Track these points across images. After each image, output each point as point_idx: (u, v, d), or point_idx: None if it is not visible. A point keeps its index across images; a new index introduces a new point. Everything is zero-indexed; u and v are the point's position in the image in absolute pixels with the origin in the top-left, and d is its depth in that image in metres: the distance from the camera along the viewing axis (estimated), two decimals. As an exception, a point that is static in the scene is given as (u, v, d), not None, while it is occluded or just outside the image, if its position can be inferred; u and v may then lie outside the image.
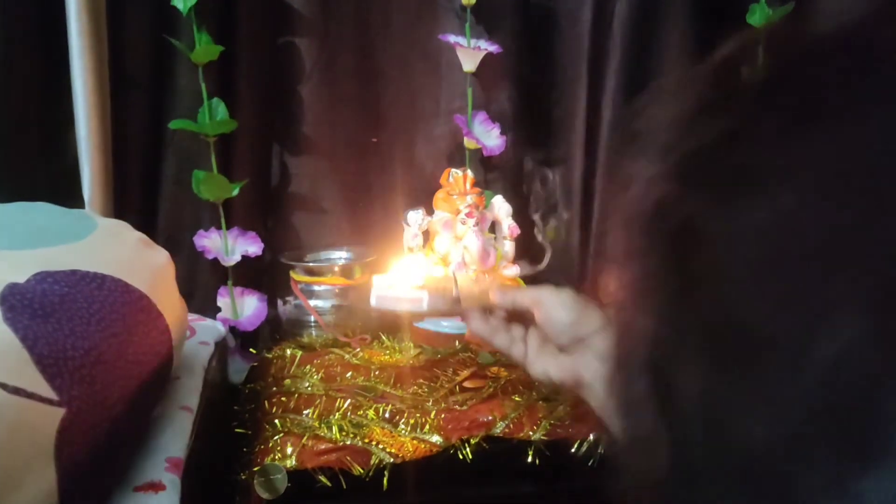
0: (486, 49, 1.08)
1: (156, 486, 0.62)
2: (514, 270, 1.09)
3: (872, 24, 0.28)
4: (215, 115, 1.05)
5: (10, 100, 1.00)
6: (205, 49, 1.01)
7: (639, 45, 1.13)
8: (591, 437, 0.79)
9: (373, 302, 0.82)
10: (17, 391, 0.51)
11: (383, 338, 1.07)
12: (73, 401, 0.55)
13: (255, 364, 1.07)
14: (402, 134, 1.17)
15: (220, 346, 1.03)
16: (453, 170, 1.08)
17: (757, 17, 1.13)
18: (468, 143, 1.11)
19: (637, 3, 1.12)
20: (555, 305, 0.72)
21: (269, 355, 1.06)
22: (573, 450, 0.79)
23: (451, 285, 0.82)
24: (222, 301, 1.10)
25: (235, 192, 1.07)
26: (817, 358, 0.25)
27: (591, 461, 0.78)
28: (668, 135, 0.33)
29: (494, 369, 0.96)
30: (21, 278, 0.62)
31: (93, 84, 0.99)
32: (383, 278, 0.85)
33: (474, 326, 0.77)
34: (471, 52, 1.08)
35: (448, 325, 1.06)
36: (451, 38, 1.08)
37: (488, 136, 1.11)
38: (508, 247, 1.09)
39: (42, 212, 0.78)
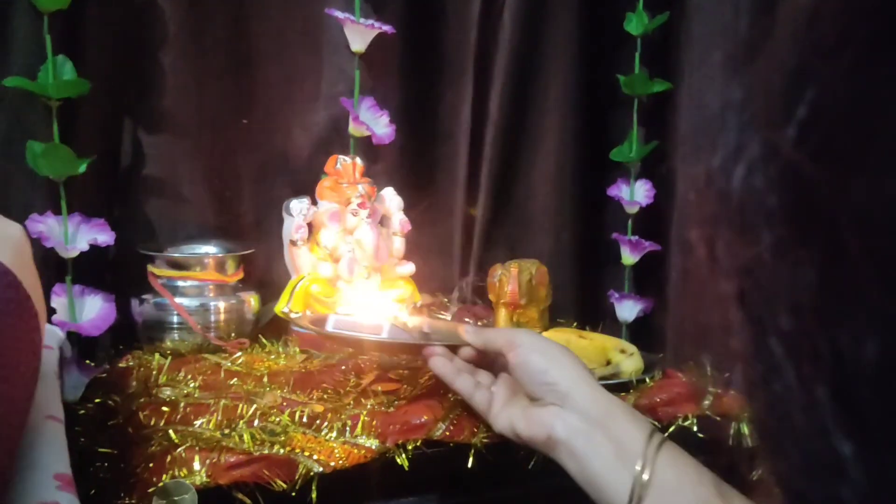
0: (379, 28, 1.00)
1: (53, 510, 0.46)
2: (407, 268, 1.01)
3: None
4: (61, 75, 0.87)
5: None
6: (53, -6, 0.84)
7: (528, 42, 1.11)
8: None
9: (329, 327, 0.76)
10: None
11: (263, 341, 0.94)
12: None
13: (103, 375, 0.89)
14: (278, 116, 1.05)
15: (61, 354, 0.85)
16: (341, 156, 0.99)
17: (633, 25, 1.16)
18: (355, 129, 1.02)
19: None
20: (532, 349, 0.65)
21: (123, 364, 0.89)
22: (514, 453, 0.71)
23: (420, 320, 0.77)
24: (58, 301, 0.91)
25: (83, 168, 0.89)
26: None
27: (532, 463, 0.72)
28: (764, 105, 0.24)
29: (400, 371, 0.87)
30: None
31: None
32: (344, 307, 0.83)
33: (436, 364, 0.70)
34: (362, 29, 0.99)
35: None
36: (340, 14, 0.99)
37: (377, 124, 1.03)
38: (399, 243, 1.01)
39: None
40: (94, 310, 0.93)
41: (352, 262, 0.94)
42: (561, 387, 0.62)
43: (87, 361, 0.94)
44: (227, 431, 0.68)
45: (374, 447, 0.67)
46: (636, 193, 1.17)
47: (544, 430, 0.62)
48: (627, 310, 1.16)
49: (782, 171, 0.22)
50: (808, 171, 0.21)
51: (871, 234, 0.20)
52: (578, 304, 1.18)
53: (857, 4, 0.22)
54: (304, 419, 0.70)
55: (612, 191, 1.17)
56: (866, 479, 0.20)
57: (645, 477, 0.56)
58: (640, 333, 1.13)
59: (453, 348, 0.73)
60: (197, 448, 0.64)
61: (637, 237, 1.15)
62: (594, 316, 1.15)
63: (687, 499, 0.55)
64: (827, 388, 0.21)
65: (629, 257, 1.16)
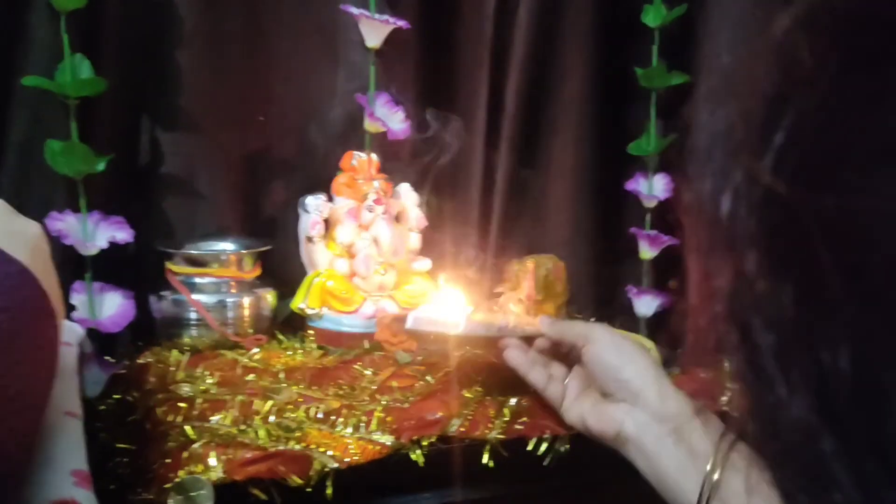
0: (394, 23, 0.99)
1: (69, 506, 0.47)
2: (423, 264, 1.01)
3: None
4: (78, 74, 0.88)
5: None
6: (70, -7, 0.85)
7: (543, 35, 1.10)
8: (548, 433, 0.72)
9: (409, 324, 0.77)
10: None
11: (280, 337, 0.94)
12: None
13: (123, 372, 0.90)
14: (294, 113, 1.05)
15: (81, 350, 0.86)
16: (357, 153, 0.99)
17: (651, 17, 1.15)
18: (370, 125, 1.02)
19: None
20: (607, 345, 0.65)
21: (142, 360, 0.90)
22: (530, 448, 0.71)
23: (499, 314, 0.77)
24: (78, 298, 0.92)
25: (101, 166, 0.90)
26: None
27: (548, 460, 0.71)
28: (746, 133, 0.26)
29: (415, 367, 0.87)
30: None
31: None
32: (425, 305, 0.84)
33: (511, 356, 0.71)
34: (377, 24, 0.99)
35: (349, 324, 0.96)
36: (354, 10, 0.99)
37: (392, 119, 1.02)
38: (415, 239, 1.01)
39: None
40: (113, 307, 0.94)
41: (368, 258, 0.94)
42: (633, 385, 0.62)
43: (107, 358, 0.95)
44: (243, 427, 0.68)
45: (388, 443, 0.67)
46: (654, 187, 1.16)
47: (614, 426, 0.62)
48: (646, 305, 1.15)
49: (763, 196, 0.24)
50: (785, 195, 0.23)
51: (842, 249, 0.21)
52: (595, 299, 1.17)
53: (829, 36, 0.24)
54: (320, 415, 0.71)
55: (630, 185, 1.16)
56: (854, 487, 0.20)
57: (715, 477, 0.55)
58: (658, 328, 1.13)
59: (529, 340, 0.74)
60: (213, 444, 0.65)
61: (655, 231, 1.14)
62: (611, 311, 1.14)
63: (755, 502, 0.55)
64: (811, 398, 0.21)
65: (647, 252, 1.15)
